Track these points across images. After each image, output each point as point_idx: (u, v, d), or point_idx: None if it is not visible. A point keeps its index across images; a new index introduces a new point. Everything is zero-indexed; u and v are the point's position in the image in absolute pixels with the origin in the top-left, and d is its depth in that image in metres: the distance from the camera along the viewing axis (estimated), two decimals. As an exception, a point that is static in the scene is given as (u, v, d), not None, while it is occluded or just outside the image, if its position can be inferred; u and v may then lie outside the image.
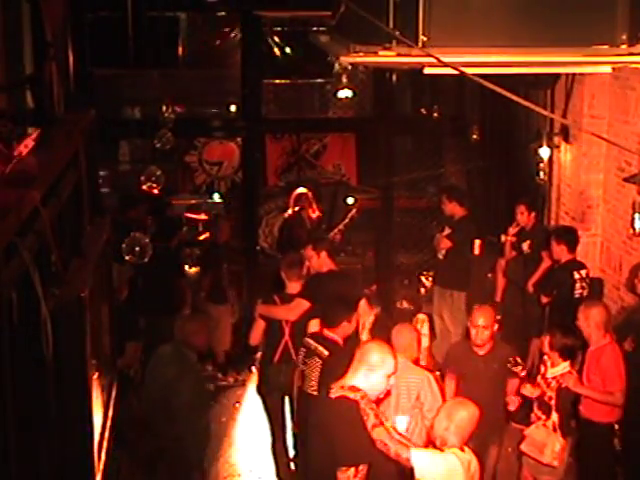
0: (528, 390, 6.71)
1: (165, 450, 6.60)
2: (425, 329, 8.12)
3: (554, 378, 6.68)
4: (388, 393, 5.39)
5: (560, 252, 8.35)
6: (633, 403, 6.89)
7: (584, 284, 8.24)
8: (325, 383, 6.29)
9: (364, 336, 7.67)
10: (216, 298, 9.76)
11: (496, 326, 6.86)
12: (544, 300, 8.53)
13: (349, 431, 4.90)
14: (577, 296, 8.16)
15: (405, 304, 7.89)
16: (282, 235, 11.71)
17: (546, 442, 6.52)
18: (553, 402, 6.62)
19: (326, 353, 6.62)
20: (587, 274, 8.33)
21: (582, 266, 8.34)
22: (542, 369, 6.88)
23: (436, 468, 4.85)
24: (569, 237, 8.42)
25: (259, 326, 7.53)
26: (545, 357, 6.86)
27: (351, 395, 4.95)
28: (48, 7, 4.78)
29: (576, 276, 8.21)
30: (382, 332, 6.95)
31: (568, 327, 6.90)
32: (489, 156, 12.39)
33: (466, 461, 4.94)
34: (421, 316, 8.32)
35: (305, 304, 7.32)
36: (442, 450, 4.95)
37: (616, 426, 6.89)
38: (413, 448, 4.96)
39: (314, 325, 7.09)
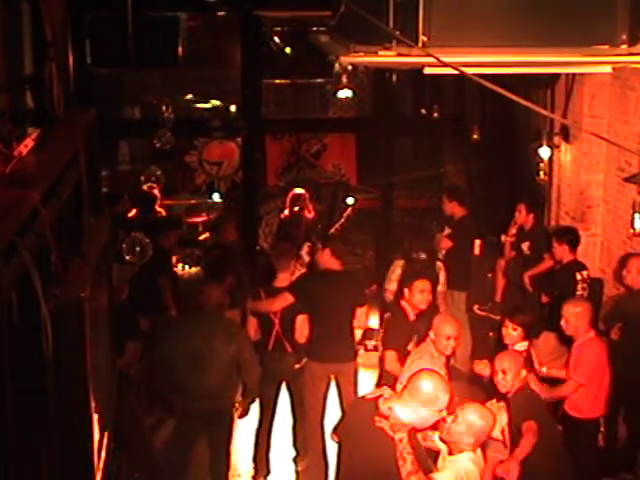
0: (480, 368, 6.69)
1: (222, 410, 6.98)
2: (442, 276, 9.29)
3: None
4: (436, 425, 5.13)
5: (562, 252, 8.36)
6: (621, 393, 6.92)
7: (585, 285, 8.24)
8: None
9: (392, 286, 9.01)
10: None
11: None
12: (544, 300, 8.54)
13: (380, 464, 4.76)
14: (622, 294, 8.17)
15: (423, 255, 9.14)
16: (278, 235, 11.73)
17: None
18: None
19: None
20: (588, 275, 8.33)
21: (583, 267, 8.35)
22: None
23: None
24: (570, 237, 8.42)
25: (251, 323, 7.72)
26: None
27: (391, 433, 4.74)
28: (48, 7, 4.78)
29: (578, 277, 8.21)
30: (411, 279, 7.47)
31: (521, 307, 7.44)
32: (489, 156, 12.41)
33: (479, 462, 5.04)
34: (438, 264, 9.34)
35: (289, 298, 7.46)
36: (454, 453, 5.00)
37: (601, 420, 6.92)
38: (437, 474, 4.93)
39: None
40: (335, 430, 5.80)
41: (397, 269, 9.23)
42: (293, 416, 7.90)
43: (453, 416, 5.02)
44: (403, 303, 7.31)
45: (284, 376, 7.69)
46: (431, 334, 6.56)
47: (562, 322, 6.92)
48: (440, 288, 9.24)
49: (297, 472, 7.90)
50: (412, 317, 7.23)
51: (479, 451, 5.11)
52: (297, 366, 7.60)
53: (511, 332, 6.83)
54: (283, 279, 7.67)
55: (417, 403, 4.77)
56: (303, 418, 7.82)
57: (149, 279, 8.95)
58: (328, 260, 7.80)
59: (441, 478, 4.87)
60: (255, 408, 7.79)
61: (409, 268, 8.99)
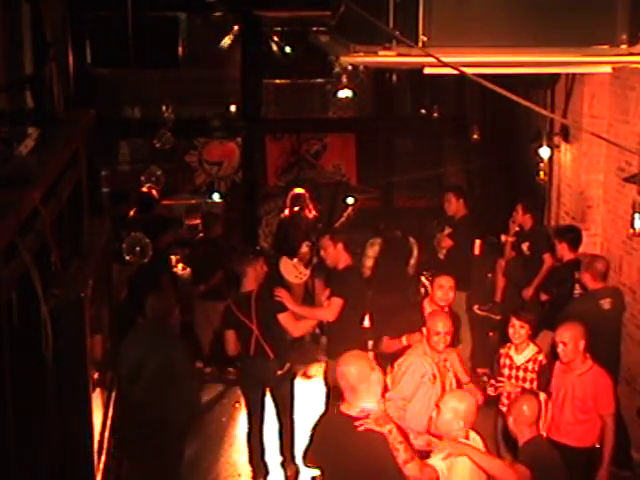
0: (510, 388, 6.72)
1: (166, 420, 6.84)
2: (415, 251, 10.12)
3: (529, 361, 6.82)
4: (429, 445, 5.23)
5: (562, 250, 8.36)
6: None
7: (584, 284, 8.24)
8: None
9: (368, 262, 9.91)
10: (212, 296, 9.71)
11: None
12: (543, 297, 8.53)
13: (378, 465, 4.76)
14: (576, 296, 8.15)
15: (398, 232, 10.26)
16: (278, 235, 11.72)
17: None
18: (535, 384, 6.72)
19: None
20: (589, 274, 8.31)
21: (584, 266, 8.34)
22: (506, 363, 6.92)
23: (459, 464, 4.98)
24: (571, 236, 8.42)
25: (229, 334, 7.47)
26: (502, 352, 6.99)
27: (378, 429, 4.73)
28: (48, 7, 4.79)
29: (577, 276, 8.20)
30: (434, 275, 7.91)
31: (522, 307, 7.89)
32: (489, 156, 12.41)
33: (477, 444, 5.13)
34: (411, 239, 10.19)
35: (340, 302, 7.37)
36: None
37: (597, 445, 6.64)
38: (435, 461, 4.95)
39: None
40: (307, 455, 5.67)
41: (375, 246, 9.97)
42: (279, 422, 7.69)
43: (436, 410, 5.15)
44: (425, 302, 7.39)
45: (267, 383, 7.48)
46: (424, 330, 6.56)
47: (559, 349, 6.46)
48: (412, 261, 10.06)
49: (287, 477, 7.72)
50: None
51: (473, 433, 5.17)
52: (279, 372, 7.39)
53: (519, 329, 6.83)
54: (248, 284, 7.43)
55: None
56: (289, 423, 7.65)
57: (148, 279, 8.95)
58: (342, 256, 7.65)
59: (435, 461, 4.93)
60: (243, 413, 7.69)
61: (385, 245, 9.93)
